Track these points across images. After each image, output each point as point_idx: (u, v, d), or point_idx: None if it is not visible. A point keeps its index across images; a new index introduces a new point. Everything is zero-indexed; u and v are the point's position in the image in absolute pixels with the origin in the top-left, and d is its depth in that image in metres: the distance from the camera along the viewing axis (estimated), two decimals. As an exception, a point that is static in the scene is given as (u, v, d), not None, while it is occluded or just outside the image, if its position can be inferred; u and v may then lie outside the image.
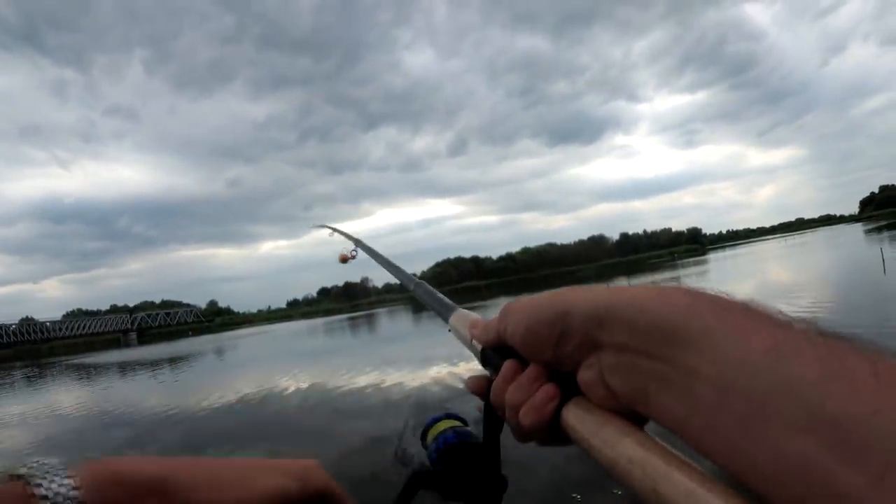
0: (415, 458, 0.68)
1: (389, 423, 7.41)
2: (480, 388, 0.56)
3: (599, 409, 0.42)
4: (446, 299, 0.79)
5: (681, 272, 36.29)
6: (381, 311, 50.83)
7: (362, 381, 10.98)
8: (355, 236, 1.67)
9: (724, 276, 29.01)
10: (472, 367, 10.36)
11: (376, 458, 6.05)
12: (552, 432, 0.47)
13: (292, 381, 12.19)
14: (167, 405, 11.08)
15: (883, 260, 15.90)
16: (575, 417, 0.44)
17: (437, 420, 0.70)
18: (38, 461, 0.43)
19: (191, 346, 31.96)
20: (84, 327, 73.22)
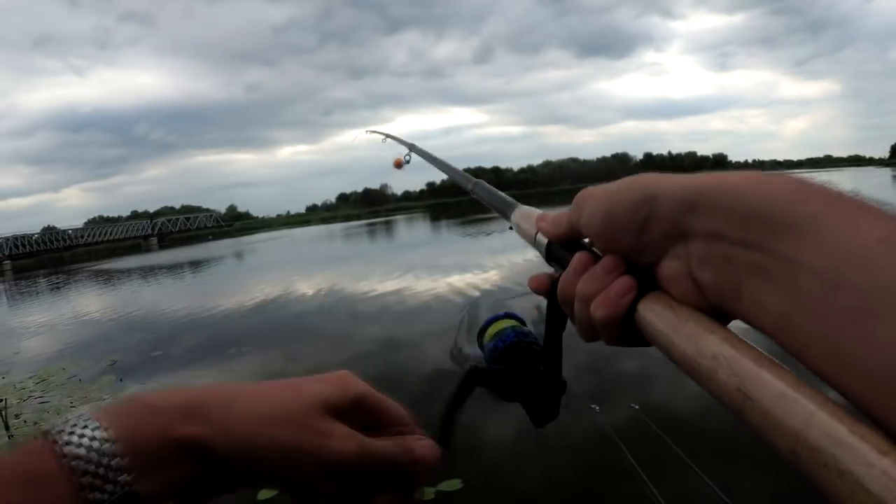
0: (470, 358, 0.66)
1: (433, 325, 7.52)
2: (544, 285, 0.53)
3: (681, 304, 0.39)
4: (508, 197, 0.76)
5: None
6: (399, 217, 51.01)
7: (392, 286, 11.12)
8: (408, 140, 1.63)
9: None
10: (490, 275, 10.48)
11: (425, 358, 6.18)
12: (625, 329, 0.43)
13: (317, 285, 12.39)
14: (191, 308, 11.32)
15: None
16: (652, 312, 0.41)
17: (495, 319, 0.67)
18: (64, 418, 0.38)
19: (210, 251, 32.38)
20: (105, 234, 74.54)
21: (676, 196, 0.38)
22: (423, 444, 0.49)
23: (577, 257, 0.48)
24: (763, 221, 0.33)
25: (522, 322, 0.67)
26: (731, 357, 0.33)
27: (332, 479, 0.45)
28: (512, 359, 0.61)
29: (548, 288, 0.52)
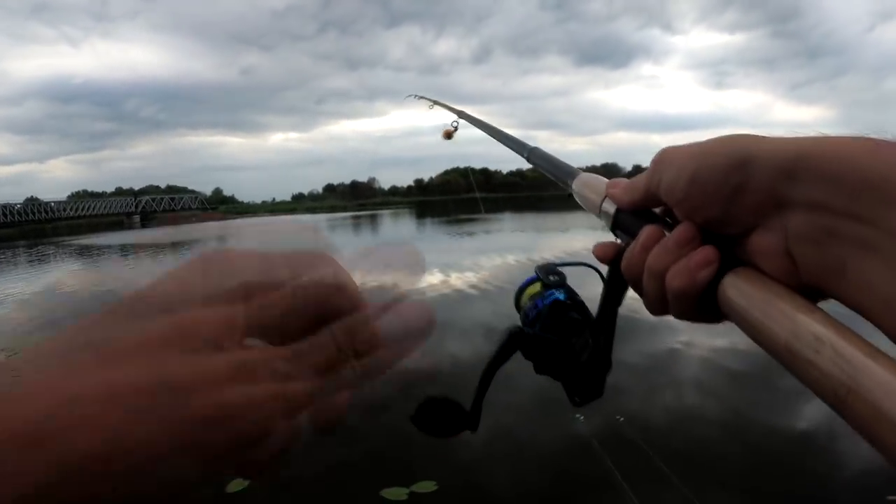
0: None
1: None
2: (608, 254, 0.49)
3: (773, 281, 0.35)
4: (568, 164, 0.72)
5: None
6: (385, 212, 50.89)
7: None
8: (457, 108, 1.55)
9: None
10: (474, 274, 10.47)
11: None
12: (702, 304, 0.39)
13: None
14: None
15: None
16: (738, 288, 0.37)
17: (534, 280, 0.63)
18: None
19: (192, 233, 32.11)
20: (88, 209, 73.67)
21: (775, 161, 0.34)
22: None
23: (648, 230, 0.44)
24: (877, 192, 0.29)
25: (563, 281, 0.61)
26: (836, 342, 0.29)
27: None
28: (551, 325, 0.57)
29: (612, 257, 0.49)
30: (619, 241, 0.50)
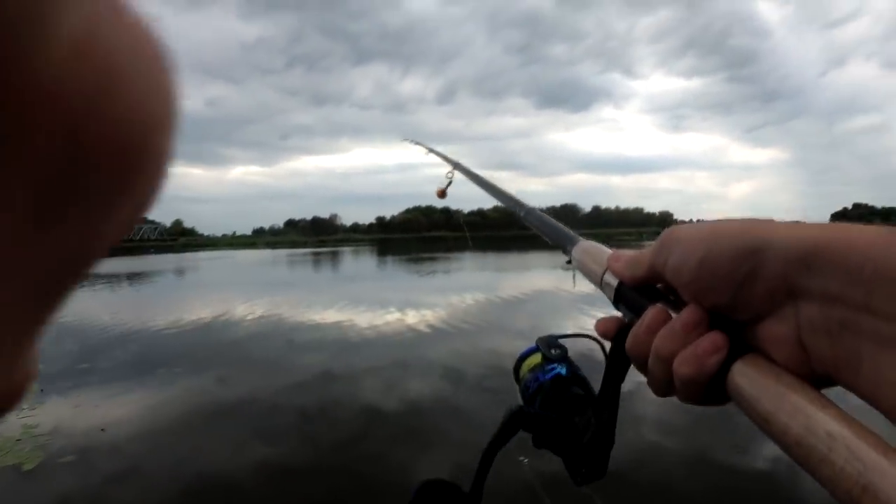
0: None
1: (373, 361, 7.42)
2: (611, 330, 0.49)
3: (784, 371, 0.35)
4: (567, 228, 0.69)
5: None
6: (346, 249, 50.55)
7: (333, 317, 11.00)
8: (453, 159, 1.46)
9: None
10: (436, 313, 10.43)
11: (359, 394, 6.07)
12: (709, 390, 0.39)
13: (255, 310, 12.14)
14: (124, 322, 10.94)
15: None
16: (748, 377, 0.36)
17: (533, 351, 0.61)
18: None
19: (151, 264, 31.45)
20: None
21: (790, 249, 0.34)
22: None
23: (655, 310, 0.43)
24: (895, 286, 0.29)
25: (564, 355, 0.60)
26: (850, 440, 0.28)
27: None
28: (553, 401, 0.56)
29: (614, 333, 0.48)
30: (621, 315, 0.49)
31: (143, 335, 9.66)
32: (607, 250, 0.55)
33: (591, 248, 0.58)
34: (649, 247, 0.45)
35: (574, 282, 0.62)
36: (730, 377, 0.37)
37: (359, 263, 33.17)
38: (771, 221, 0.37)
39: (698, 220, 0.46)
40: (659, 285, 0.46)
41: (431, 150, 1.74)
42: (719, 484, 3.81)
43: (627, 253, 0.50)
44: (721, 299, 0.38)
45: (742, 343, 0.38)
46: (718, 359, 0.37)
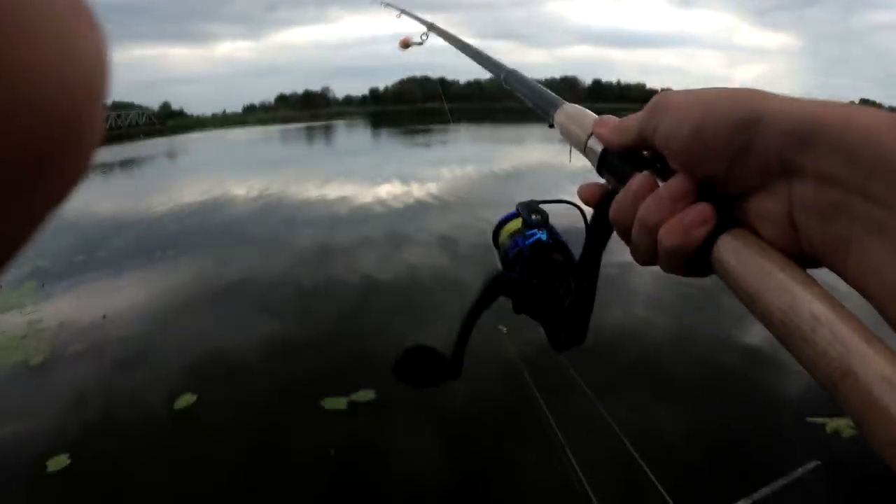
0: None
1: (371, 233, 7.48)
2: (595, 197, 0.47)
3: (771, 248, 0.34)
4: (549, 92, 0.65)
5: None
6: (340, 122, 49.72)
7: (330, 192, 10.98)
8: (427, 20, 1.43)
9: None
10: (431, 186, 10.44)
11: (358, 267, 6.15)
12: (693, 261, 0.38)
13: (250, 188, 12.09)
14: (118, 211, 10.84)
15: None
16: (735, 252, 0.35)
17: (512, 217, 0.60)
18: None
19: (141, 150, 30.99)
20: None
21: (788, 125, 0.32)
22: None
23: (642, 177, 0.41)
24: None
25: (545, 221, 0.58)
26: (834, 323, 0.28)
27: None
28: (533, 267, 0.55)
29: (598, 200, 0.47)
30: (605, 182, 0.48)
31: (139, 222, 9.64)
32: (593, 115, 0.52)
33: (575, 113, 0.55)
34: (638, 112, 0.42)
35: (570, 157, 0.57)
36: (715, 250, 0.36)
37: (352, 137, 32.74)
38: (768, 93, 0.35)
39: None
40: (645, 153, 0.44)
41: (403, 12, 1.66)
42: (700, 359, 3.94)
43: (614, 118, 0.48)
44: (712, 170, 0.37)
45: (730, 216, 0.37)
46: (705, 230, 0.36)
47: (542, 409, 3.09)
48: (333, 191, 11.00)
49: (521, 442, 3.05)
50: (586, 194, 0.48)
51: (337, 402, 3.48)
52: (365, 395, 3.52)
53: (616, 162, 0.45)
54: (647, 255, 0.41)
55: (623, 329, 4.32)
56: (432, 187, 10.77)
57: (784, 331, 0.30)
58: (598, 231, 0.49)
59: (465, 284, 5.16)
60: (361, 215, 8.82)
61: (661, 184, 0.40)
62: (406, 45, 1.42)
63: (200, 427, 3.32)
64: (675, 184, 0.39)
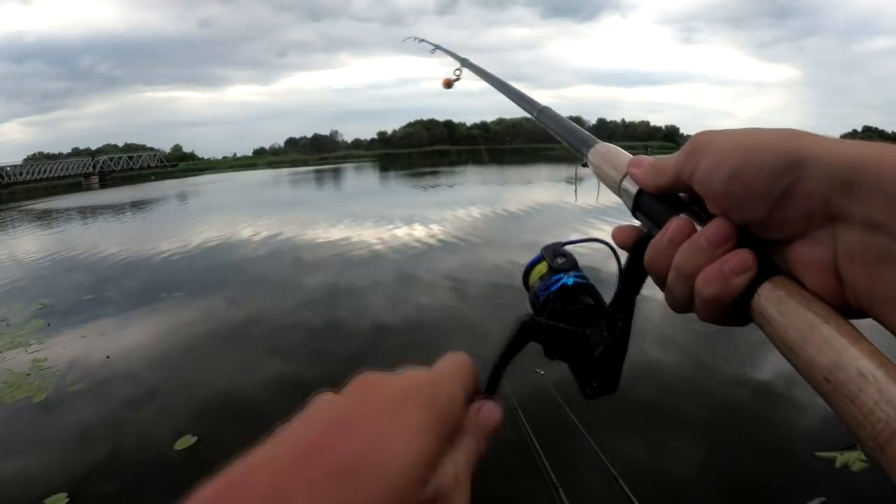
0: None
1: (379, 274, 7.47)
2: (629, 239, 0.45)
3: (815, 299, 0.32)
4: (583, 130, 0.64)
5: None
6: (348, 165, 50.12)
7: (337, 234, 11.02)
8: (460, 55, 1.44)
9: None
10: (437, 228, 10.47)
11: (367, 308, 6.13)
12: (732, 311, 0.36)
13: (260, 231, 12.16)
14: (128, 251, 10.94)
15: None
16: (777, 302, 0.33)
17: (540, 260, 0.58)
18: None
19: (152, 192, 31.31)
20: (45, 171, 70.57)
21: (832, 168, 0.30)
22: (486, 412, 0.39)
23: (679, 221, 0.40)
24: None
25: (570, 265, 0.56)
26: (881, 381, 0.26)
27: None
28: (561, 312, 0.53)
29: (633, 244, 0.45)
30: (639, 224, 0.46)
31: (148, 262, 9.71)
32: (627, 154, 0.51)
33: (609, 152, 0.54)
34: (675, 152, 0.41)
35: (576, 195, 0.57)
36: (755, 299, 0.34)
37: (361, 179, 33.03)
38: (810, 134, 0.33)
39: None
40: (682, 195, 0.42)
41: (438, 48, 1.67)
42: (717, 398, 3.89)
43: (648, 158, 0.46)
44: (753, 215, 0.35)
45: (771, 264, 0.35)
46: (746, 279, 0.35)
47: (535, 448, 3.03)
48: (342, 233, 11.06)
49: (511, 477, 3.00)
50: (621, 237, 0.46)
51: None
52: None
53: (651, 204, 0.44)
54: (683, 302, 0.40)
55: (632, 363, 4.27)
56: (439, 229, 10.80)
57: (828, 388, 0.28)
58: (632, 276, 0.47)
59: (474, 325, 5.14)
60: (370, 256, 8.84)
61: (698, 228, 0.39)
62: (448, 84, 1.44)
63: (201, 468, 3.29)
64: (714, 229, 0.37)
